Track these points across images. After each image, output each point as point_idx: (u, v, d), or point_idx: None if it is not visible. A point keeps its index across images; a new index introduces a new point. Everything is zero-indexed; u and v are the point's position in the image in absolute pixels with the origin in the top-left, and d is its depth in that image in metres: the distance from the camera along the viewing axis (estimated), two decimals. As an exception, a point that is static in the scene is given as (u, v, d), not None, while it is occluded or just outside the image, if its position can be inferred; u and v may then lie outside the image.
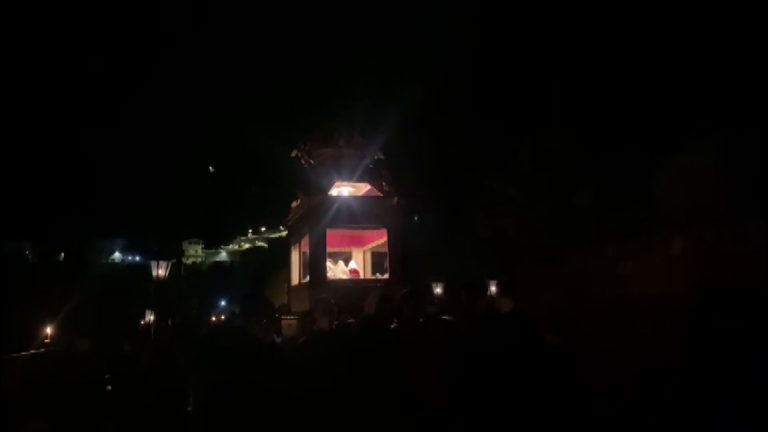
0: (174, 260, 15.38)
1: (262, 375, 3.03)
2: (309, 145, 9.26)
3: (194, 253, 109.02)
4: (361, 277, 9.56)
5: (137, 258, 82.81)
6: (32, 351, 8.99)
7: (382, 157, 9.22)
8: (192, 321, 15.64)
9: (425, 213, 24.33)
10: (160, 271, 14.38)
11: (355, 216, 8.62)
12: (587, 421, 5.01)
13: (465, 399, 3.89)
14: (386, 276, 9.03)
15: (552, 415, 3.97)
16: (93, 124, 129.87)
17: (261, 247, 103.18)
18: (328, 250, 8.93)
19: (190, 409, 5.31)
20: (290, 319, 8.30)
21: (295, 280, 10.13)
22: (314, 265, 8.58)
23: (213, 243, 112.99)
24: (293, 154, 9.44)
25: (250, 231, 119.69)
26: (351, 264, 9.71)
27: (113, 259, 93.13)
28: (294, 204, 9.83)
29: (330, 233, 8.76)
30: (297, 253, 10.01)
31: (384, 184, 8.98)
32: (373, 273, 9.89)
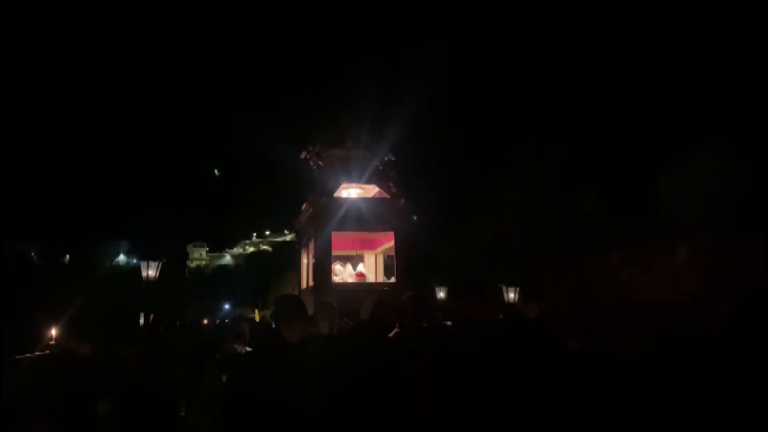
0: (165, 260, 14.68)
1: (278, 381, 2.98)
2: (318, 147, 9.19)
3: (199, 256, 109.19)
4: (369, 280, 9.43)
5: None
6: (36, 353, 8.98)
7: (391, 158, 9.14)
8: (194, 324, 15.58)
9: (431, 216, 24.27)
10: (150, 271, 13.64)
11: (363, 218, 8.52)
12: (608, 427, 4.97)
13: (477, 406, 3.79)
14: (393, 280, 8.91)
15: (576, 421, 3.93)
16: (98, 126, 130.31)
17: (265, 251, 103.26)
18: (339, 253, 8.85)
19: (182, 414, 5.26)
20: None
21: (304, 283, 10.03)
22: (319, 268, 8.48)
23: (218, 246, 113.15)
24: (302, 155, 9.37)
25: (255, 235, 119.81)
26: (359, 267, 9.59)
27: (118, 262, 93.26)
28: (304, 206, 9.74)
29: (341, 236, 8.65)
30: (306, 256, 9.90)
31: (392, 185, 8.89)
32: (386, 277, 9.71)
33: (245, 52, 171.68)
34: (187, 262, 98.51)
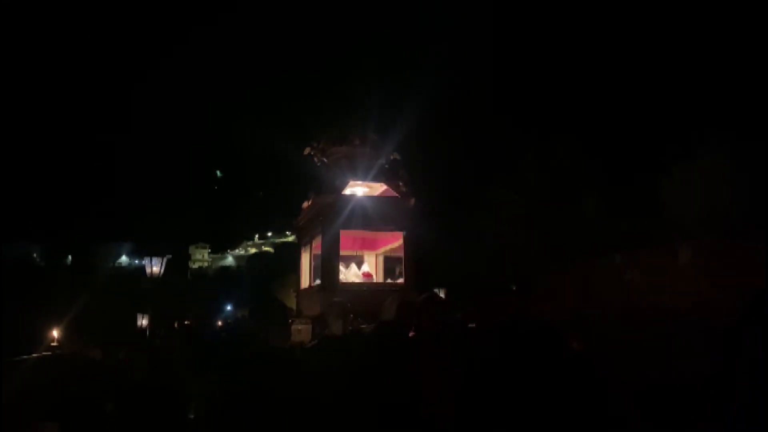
0: (170, 256, 14.01)
1: (273, 382, 2.96)
2: (323, 144, 8.97)
3: (201, 257, 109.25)
4: (375, 280, 9.27)
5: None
6: (39, 354, 8.97)
7: (398, 157, 8.92)
8: (198, 325, 15.57)
9: (440, 217, 24.25)
10: (155, 268, 12.95)
11: (370, 218, 8.33)
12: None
13: (487, 410, 3.77)
14: (401, 281, 8.74)
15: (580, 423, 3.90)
16: (101, 127, 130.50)
17: (267, 252, 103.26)
18: (341, 253, 8.62)
19: (191, 416, 5.24)
20: (300, 323, 8.08)
21: (305, 283, 9.83)
22: (327, 267, 8.26)
23: (219, 248, 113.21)
24: (306, 152, 9.13)
25: (257, 236, 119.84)
26: (364, 267, 9.43)
27: (120, 263, 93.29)
28: (305, 205, 9.51)
29: (342, 235, 8.45)
30: (308, 255, 9.70)
31: (401, 184, 8.66)
32: (385, 278, 9.56)
33: (246, 52, 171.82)
34: (189, 263, 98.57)
